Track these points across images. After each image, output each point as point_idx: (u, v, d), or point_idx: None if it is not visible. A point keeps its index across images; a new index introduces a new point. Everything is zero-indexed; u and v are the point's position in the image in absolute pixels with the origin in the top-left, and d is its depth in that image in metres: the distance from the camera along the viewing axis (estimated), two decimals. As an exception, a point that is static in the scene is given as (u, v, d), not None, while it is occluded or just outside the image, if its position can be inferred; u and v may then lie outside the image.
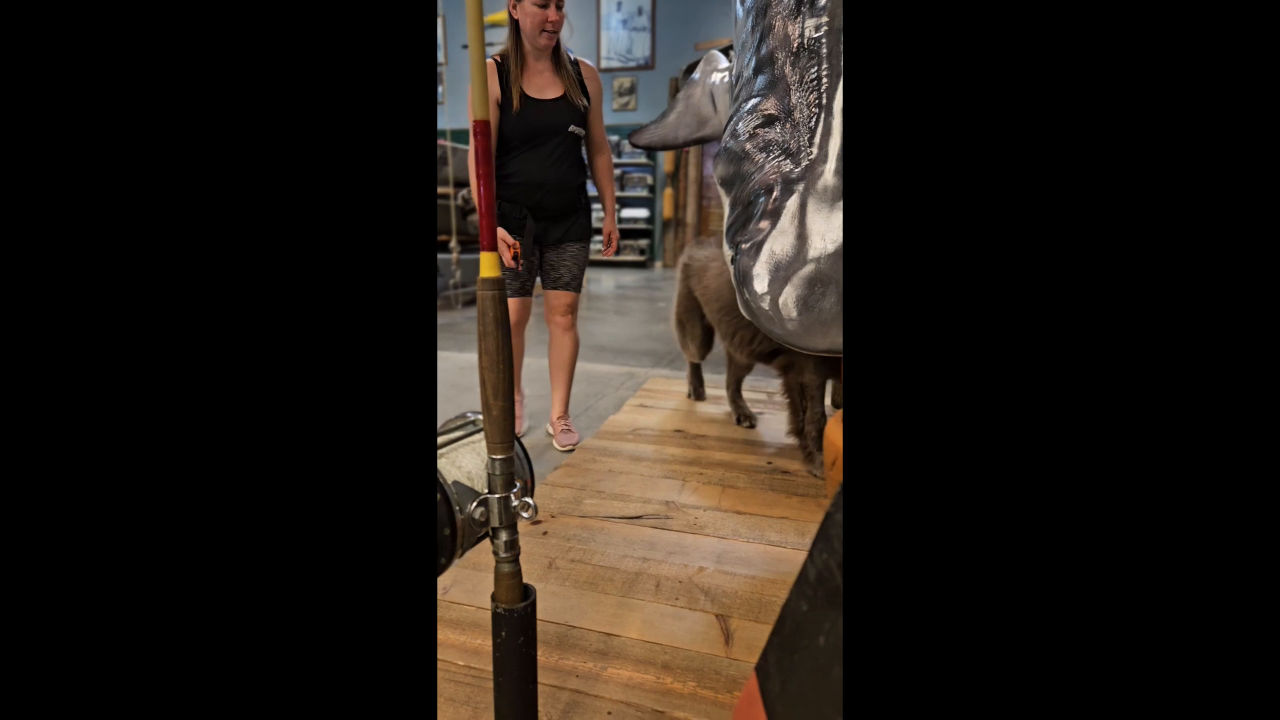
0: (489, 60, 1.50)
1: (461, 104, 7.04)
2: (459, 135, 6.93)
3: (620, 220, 6.75)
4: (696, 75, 1.54)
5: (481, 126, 0.50)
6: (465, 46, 6.79)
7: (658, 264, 6.84)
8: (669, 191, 6.55)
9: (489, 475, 0.55)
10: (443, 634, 0.90)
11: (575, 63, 1.56)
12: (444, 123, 6.54)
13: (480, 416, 0.67)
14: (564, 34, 1.51)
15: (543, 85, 1.51)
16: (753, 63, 1.17)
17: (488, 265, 0.52)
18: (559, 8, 1.43)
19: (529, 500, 0.57)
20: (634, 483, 1.41)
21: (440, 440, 0.61)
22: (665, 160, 6.49)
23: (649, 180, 6.69)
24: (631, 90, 6.59)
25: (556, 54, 1.52)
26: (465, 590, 1.00)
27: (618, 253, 6.58)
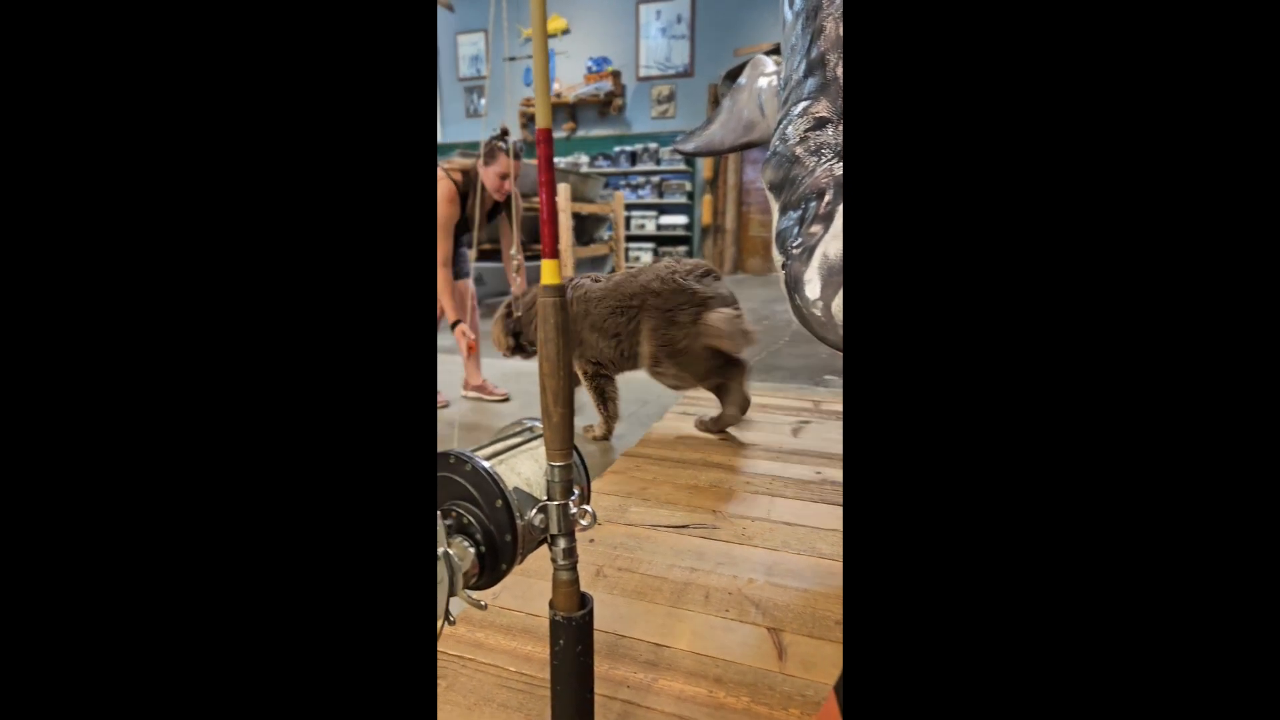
0: (448, 180, 1.95)
1: (504, 116, 7.19)
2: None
3: (659, 227, 6.77)
4: (743, 80, 1.53)
5: (544, 134, 0.50)
6: (507, 60, 6.93)
7: (696, 271, 6.82)
8: (708, 198, 6.53)
9: (548, 482, 0.55)
10: (494, 639, 0.90)
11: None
12: (485, 134, 6.66)
13: (536, 423, 0.67)
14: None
15: (485, 209, 2.12)
16: (803, 66, 1.15)
17: (549, 272, 0.52)
18: (515, 180, 2.01)
19: (587, 508, 0.56)
20: (680, 491, 1.40)
21: (499, 446, 0.61)
22: (704, 166, 6.47)
23: (688, 187, 6.69)
24: (670, 98, 6.61)
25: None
26: (515, 596, 1.01)
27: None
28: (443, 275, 1.94)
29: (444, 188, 1.94)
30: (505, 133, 1.96)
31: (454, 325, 1.93)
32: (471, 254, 2.40)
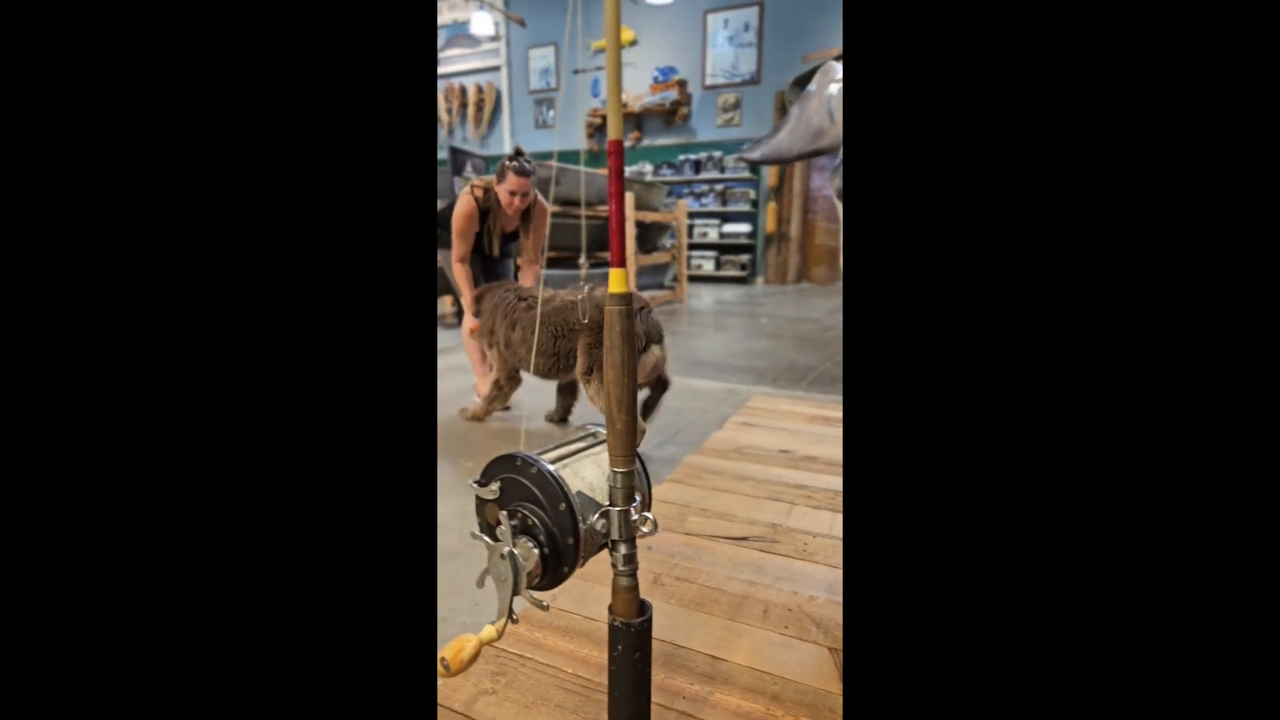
0: (471, 199, 2.08)
1: (572, 128, 7.36)
2: (567, 156, 7.23)
3: (721, 235, 6.75)
4: (812, 87, 1.50)
5: (615, 146, 0.51)
6: (576, 72, 7.10)
7: (759, 280, 6.73)
8: (772, 206, 6.44)
9: (610, 488, 0.56)
10: (552, 640, 0.92)
11: (532, 205, 2.20)
12: (554, 145, 6.85)
13: (600, 429, 0.68)
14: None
15: (506, 224, 2.21)
16: (875, 71, 1.13)
17: (616, 282, 0.53)
18: (523, 198, 2.08)
19: (648, 514, 0.57)
20: (738, 503, 1.38)
21: (564, 451, 0.63)
22: (769, 174, 6.39)
23: (751, 195, 6.62)
24: (736, 106, 6.58)
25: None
26: (572, 599, 1.02)
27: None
28: (460, 269, 2.08)
29: (464, 203, 2.07)
30: (519, 153, 2.04)
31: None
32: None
